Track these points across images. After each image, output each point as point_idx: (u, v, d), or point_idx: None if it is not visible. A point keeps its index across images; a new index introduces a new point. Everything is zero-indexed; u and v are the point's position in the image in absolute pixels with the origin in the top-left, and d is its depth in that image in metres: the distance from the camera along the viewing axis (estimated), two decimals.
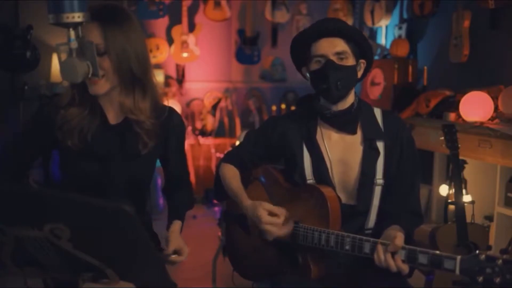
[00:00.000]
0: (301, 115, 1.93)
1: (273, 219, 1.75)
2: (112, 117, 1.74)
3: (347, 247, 1.65)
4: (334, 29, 1.78)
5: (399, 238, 1.56)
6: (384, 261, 1.56)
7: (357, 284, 1.81)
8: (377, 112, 1.91)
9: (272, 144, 1.95)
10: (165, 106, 1.81)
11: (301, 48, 1.84)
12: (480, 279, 1.40)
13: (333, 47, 1.77)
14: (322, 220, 1.73)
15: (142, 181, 1.80)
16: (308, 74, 1.85)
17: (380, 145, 1.85)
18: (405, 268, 1.54)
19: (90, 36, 1.58)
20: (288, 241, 1.79)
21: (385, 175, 1.83)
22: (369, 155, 1.84)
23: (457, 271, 1.43)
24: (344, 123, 1.86)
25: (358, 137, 1.86)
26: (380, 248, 1.57)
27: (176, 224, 1.79)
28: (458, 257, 1.44)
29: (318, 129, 1.88)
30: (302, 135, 1.90)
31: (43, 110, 1.74)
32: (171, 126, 1.81)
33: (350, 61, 1.80)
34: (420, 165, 1.92)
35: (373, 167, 1.83)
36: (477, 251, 1.43)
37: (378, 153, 1.84)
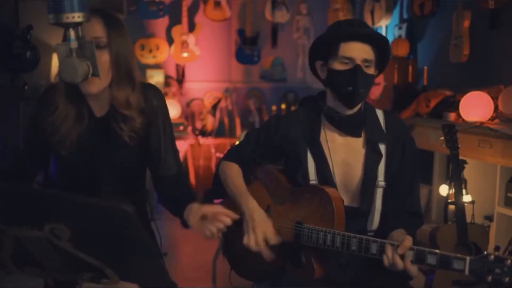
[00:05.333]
0: (305, 115, 1.92)
1: (263, 245, 1.74)
2: (97, 110, 1.76)
3: (353, 248, 1.64)
4: (368, 35, 1.77)
5: (408, 240, 1.55)
6: (393, 261, 1.55)
7: (359, 284, 1.81)
8: (379, 114, 1.91)
9: (274, 144, 1.94)
10: (144, 84, 1.78)
11: (329, 42, 1.81)
12: (489, 278, 1.41)
13: (362, 53, 1.76)
14: (326, 221, 1.72)
15: (131, 170, 1.81)
16: (324, 70, 1.84)
17: (382, 147, 1.85)
18: (413, 269, 1.54)
19: (92, 29, 1.62)
20: (291, 241, 1.79)
21: (387, 177, 1.83)
22: (372, 157, 1.84)
23: (467, 272, 1.44)
24: (350, 127, 1.86)
25: (361, 139, 1.86)
26: (389, 248, 1.57)
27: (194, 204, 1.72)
28: (468, 258, 1.45)
29: (322, 131, 1.88)
30: (305, 136, 1.89)
31: (36, 120, 1.78)
32: (152, 110, 1.77)
33: (372, 71, 1.80)
34: (419, 165, 1.92)
35: (375, 169, 1.83)
36: (486, 252, 1.44)
37: (381, 155, 1.84)
